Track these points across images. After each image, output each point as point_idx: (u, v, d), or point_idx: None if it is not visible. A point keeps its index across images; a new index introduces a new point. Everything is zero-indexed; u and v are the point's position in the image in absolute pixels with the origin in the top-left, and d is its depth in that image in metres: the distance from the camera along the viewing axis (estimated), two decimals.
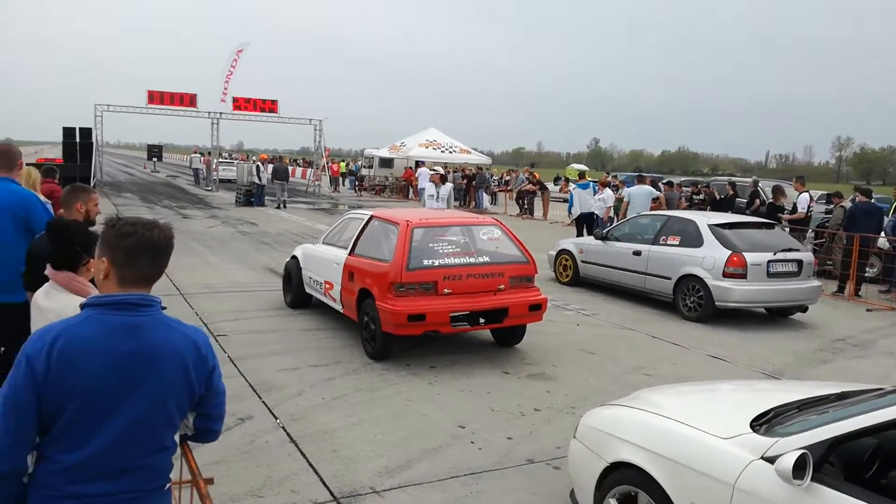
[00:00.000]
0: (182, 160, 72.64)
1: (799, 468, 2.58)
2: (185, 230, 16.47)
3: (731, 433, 3.01)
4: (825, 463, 2.72)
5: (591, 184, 15.44)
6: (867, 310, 10.21)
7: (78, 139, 28.42)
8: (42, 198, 6.68)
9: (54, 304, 3.09)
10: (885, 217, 12.38)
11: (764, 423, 3.08)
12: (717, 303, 8.67)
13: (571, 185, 16.47)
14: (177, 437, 2.09)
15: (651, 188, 14.19)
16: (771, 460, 2.75)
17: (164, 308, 2.10)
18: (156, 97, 28.69)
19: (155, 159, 51.36)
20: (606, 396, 5.89)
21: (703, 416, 3.33)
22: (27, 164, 6.31)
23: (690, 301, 9.00)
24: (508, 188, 27.02)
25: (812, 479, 2.59)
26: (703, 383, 4.93)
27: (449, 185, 13.13)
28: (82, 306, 1.98)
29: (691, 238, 9.24)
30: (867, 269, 11.74)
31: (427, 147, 31.86)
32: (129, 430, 1.91)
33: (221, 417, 2.20)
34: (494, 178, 29.63)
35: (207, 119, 30.51)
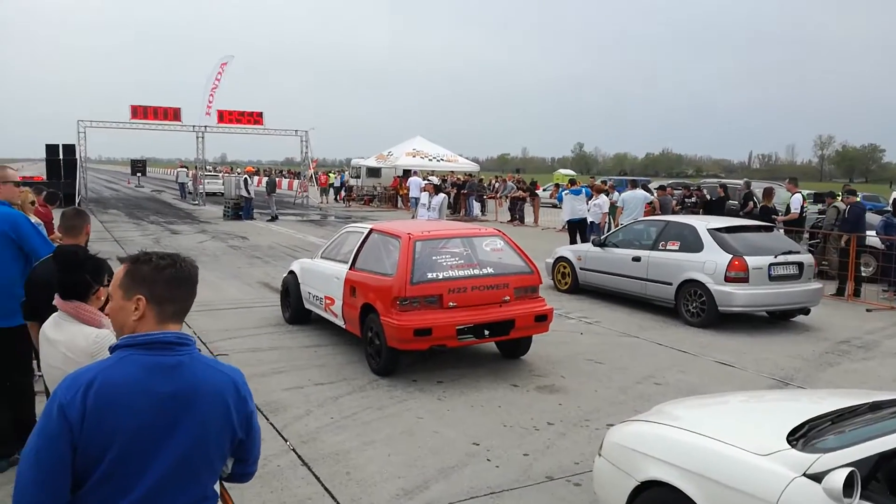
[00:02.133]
0: (166, 174, 72.13)
1: (848, 486, 2.51)
2: (176, 246, 16.27)
3: (769, 449, 2.93)
4: (871, 479, 2.65)
5: (584, 189, 15.42)
6: (867, 310, 10.22)
7: (61, 156, 28.17)
8: (34, 219, 6.54)
9: (64, 335, 2.96)
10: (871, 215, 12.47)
11: (800, 437, 3.00)
12: (720, 308, 8.63)
13: (563, 191, 16.40)
14: (217, 487, 1.97)
15: (645, 193, 14.21)
16: (814, 477, 2.67)
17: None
18: (139, 112, 28.38)
19: (139, 174, 50.90)
20: (619, 408, 5.84)
21: (734, 431, 3.25)
22: (24, 187, 6.17)
23: (693, 306, 8.95)
24: (498, 195, 26.97)
25: (860, 497, 2.52)
26: (725, 395, 4.85)
27: (442, 196, 13.06)
28: (112, 348, 1.86)
29: (691, 243, 9.20)
30: (862, 268, 11.77)
31: (414, 156, 31.83)
32: (170, 476, 1.79)
33: (258, 459, 2.09)
34: (482, 185, 29.59)
35: (192, 133, 30.24)
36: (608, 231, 15.44)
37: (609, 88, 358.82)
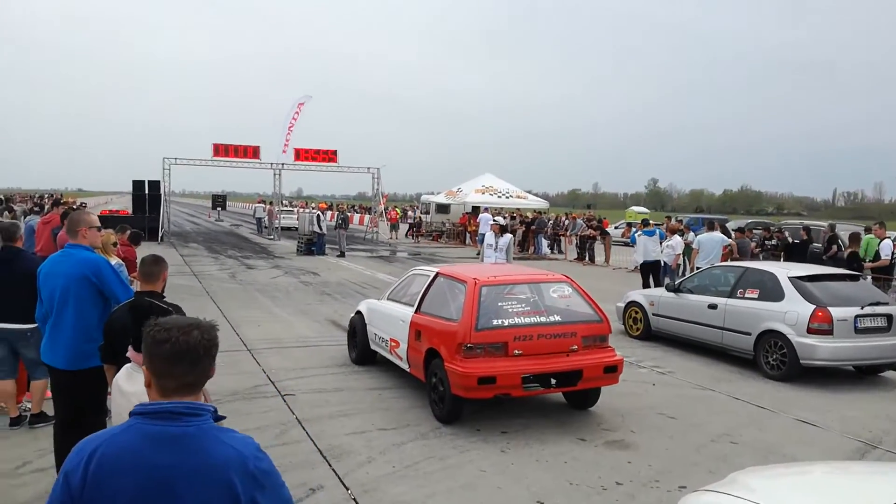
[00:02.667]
0: (245, 208, 74.82)
1: None
2: (251, 281, 16.75)
3: None
4: None
5: (658, 230, 15.02)
6: None
7: (147, 191, 29.63)
8: (115, 260, 6.83)
9: (135, 387, 3.03)
10: None
11: None
12: (801, 361, 8.17)
13: (636, 231, 16.02)
14: None
15: (722, 236, 13.70)
16: None
17: (224, 418, 1.95)
18: (221, 150, 29.63)
19: (219, 208, 52.99)
20: (692, 469, 5.56)
21: None
22: (105, 229, 6.46)
23: (773, 359, 8.51)
24: (567, 233, 26.66)
25: None
26: (806, 464, 4.55)
27: (508, 237, 12.96)
28: (131, 414, 1.86)
29: (771, 291, 8.80)
30: None
31: (483, 192, 31.91)
32: None
33: None
34: (550, 221, 29.28)
35: (270, 170, 31.35)
36: (682, 273, 15.03)
37: (685, 122, 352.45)
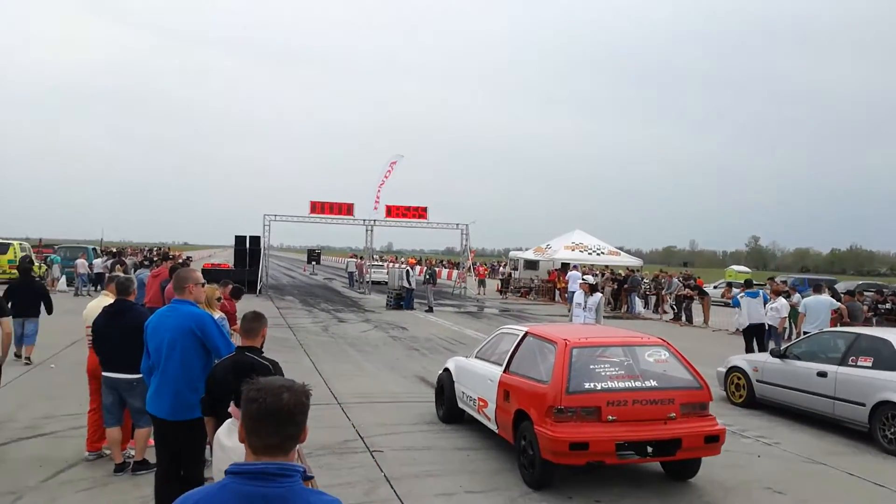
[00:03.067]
0: (337, 262, 77.08)
1: None
2: (342, 335, 17.10)
3: None
4: None
5: (761, 292, 14.31)
6: None
7: (248, 246, 31.06)
8: (217, 314, 7.13)
9: (235, 442, 3.09)
10: None
11: None
12: None
13: (737, 292, 15.33)
14: None
15: (830, 299, 12.91)
16: None
17: (311, 477, 1.97)
18: (317, 207, 30.87)
19: (314, 262, 54.84)
20: None
21: None
22: (209, 284, 6.79)
23: (891, 432, 7.83)
24: (662, 292, 25.85)
25: None
26: None
27: (598, 296, 12.68)
28: (226, 472, 1.90)
29: (887, 359, 8.16)
30: None
31: (573, 249, 31.49)
32: None
33: None
34: (646, 280, 28.46)
35: (363, 226, 32.30)
36: (788, 338, 14.19)
37: (787, 177, 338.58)
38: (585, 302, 12.19)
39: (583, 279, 14.12)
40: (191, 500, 1.84)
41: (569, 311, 12.39)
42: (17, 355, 10.95)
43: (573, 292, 18.84)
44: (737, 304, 14.81)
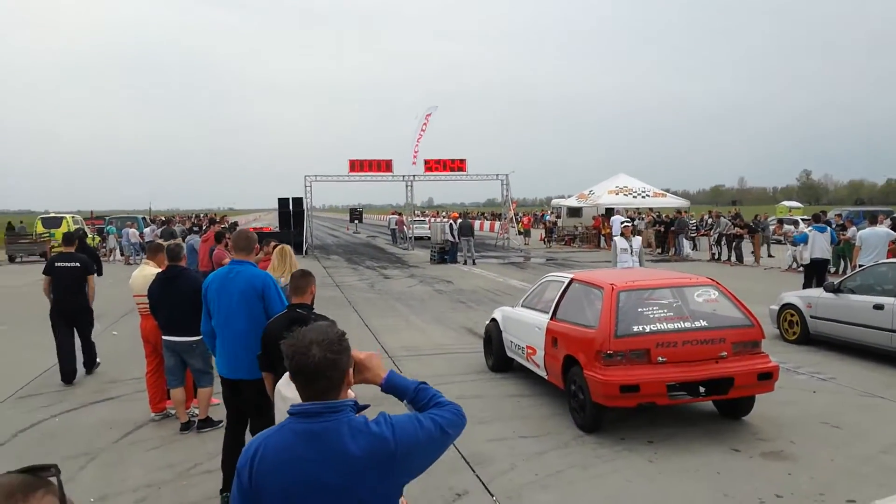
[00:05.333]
0: (380, 220, 77.58)
1: None
2: (388, 291, 17.32)
3: None
4: None
5: (828, 228, 13.81)
6: None
7: (291, 208, 31.44)
8: (285, 279, 7.27)
9: (294, 392, 3.21)
10: None
11: None
12: None
13: (803, 227, 14.90)
14: None
15: (888, 230, 12.46)
16: None
17: (367, 406, 2.06)
18: (356, 165, 30.94)
19: (356, 221, 55.32)
20: (860, 481, 5.10)
21: None
22: (283, 244, 6.95)
23: None
24: (709, 232, 25.34)
25: None
26: None
27: (638, 239, 12.47)
28: (289, 412, 2.02)
29: None
30: None
31: (617, 193, 30.86)
32: None
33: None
34: (693, 221, 27.78)
35: (402, 182, 32.31)
36: (841, 270, 13.75)
37: (840, 105, 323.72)
38: (631, 246, 12.03)
39: (624, 222, 13.88)
40: (256, 442, 2.01)
41: (614, 256, 12.18)
42: None
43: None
44: (802, 240, 14.44)
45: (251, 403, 4.87)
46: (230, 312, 4.85)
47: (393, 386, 2.22)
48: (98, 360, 9.04)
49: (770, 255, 23.09)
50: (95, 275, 9.05)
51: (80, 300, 8.51)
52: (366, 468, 1.93)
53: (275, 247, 9.77)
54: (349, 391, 2.12)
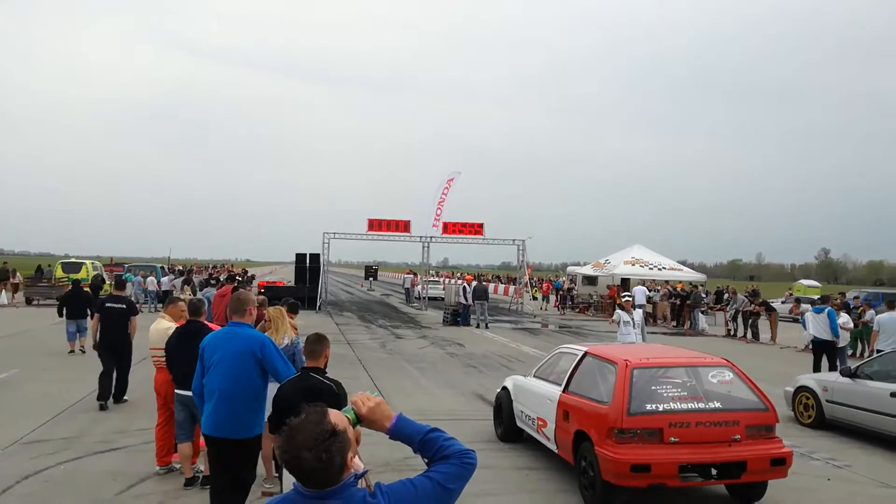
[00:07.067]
0: (394, 278, 77.87)
1: None
2: (399, 351, 17.27)
3: None
4: None
5: (827, 308, 13.80)
6: None
7: (308, 263, 31.73)
8: (290, 337, 7.33)
9: None
10: None
11: None
12: None
13: (806, 307, 14.82)
14: None
15: None
16: None
17: (366, 471, 2.11)
18: (374, 224, 31.32)
19: (371, 279, 55.57)
20: None
21: None
22: (278, 306, 7.03)
23: None
24: (725, 308, 25.14)
25: None
26: None
27: (640, 311, 12.46)
28: (294, 484, 2.05)
29: None
30: None
31: (633, 265, 30.95)
32: None
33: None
34: (706, 299, 27.56)
35: (419, 242, 32.57)
36: (860, 354, 13.56)
37: (860, 186, 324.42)
38: (633, 319, 12.01)
39: (625, 297, 13.85)
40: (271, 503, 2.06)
41: (617, 327, 12.13)
42: (72, 351, 14.20)
43: (639, 306, 18.45)
44: (803, 322, 14.35)
45: (241, 463, 4.87)
46: (223, 372, 4.86)
47: (400, 435, 2.27)
48: (126, 397, 10.01)
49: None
50: (87, 317, 10.75)
51: (123, 337, 9.94)
52: None
53: (289, 304, 9.86)
54: (355, 459, 2.14)
